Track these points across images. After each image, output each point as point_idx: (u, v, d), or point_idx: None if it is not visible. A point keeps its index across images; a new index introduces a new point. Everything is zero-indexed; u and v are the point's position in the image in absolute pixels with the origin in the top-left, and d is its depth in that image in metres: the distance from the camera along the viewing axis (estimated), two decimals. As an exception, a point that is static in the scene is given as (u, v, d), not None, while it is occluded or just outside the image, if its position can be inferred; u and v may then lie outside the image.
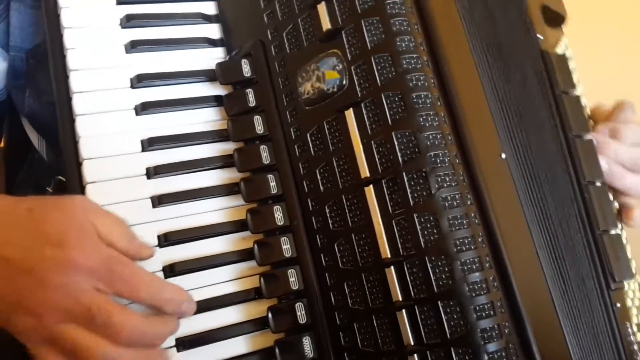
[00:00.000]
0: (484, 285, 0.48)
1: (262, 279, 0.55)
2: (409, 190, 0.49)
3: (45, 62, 0.66)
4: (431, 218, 0.49)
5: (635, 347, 0.57)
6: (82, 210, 0.48)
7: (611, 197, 0.62)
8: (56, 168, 0.69)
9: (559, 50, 0.65)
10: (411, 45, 0.52)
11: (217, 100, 0.61)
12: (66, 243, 0.45)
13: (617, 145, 0.61)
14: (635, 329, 0.58)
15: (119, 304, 0.47)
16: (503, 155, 0.53)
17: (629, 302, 0.59)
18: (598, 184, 0.60)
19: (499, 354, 0.47)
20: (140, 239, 0.52)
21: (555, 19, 0.66)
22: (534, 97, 0.60)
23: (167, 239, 0.56)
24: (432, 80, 0.52)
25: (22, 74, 0.69)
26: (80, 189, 0.56)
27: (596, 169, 0.60)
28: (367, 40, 0.52)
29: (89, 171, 0.56)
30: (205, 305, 0.55)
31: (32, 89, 0.69)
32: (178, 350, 0.53)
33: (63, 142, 0.58)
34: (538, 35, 0.63)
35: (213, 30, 0.64)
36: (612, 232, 0.59)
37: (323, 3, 0.55)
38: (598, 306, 0.56)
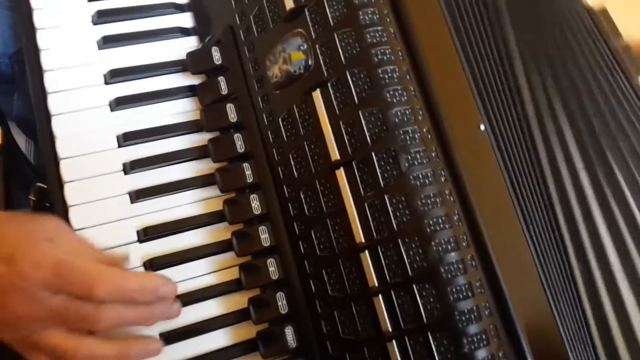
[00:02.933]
0: (461, 266, 0.46)
1: (241, 270, 0.54)
2: (379, 171, 0.47)
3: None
4: (402, 198, 0.46)
5: None
6: (43, 230, 0.47)
7: None
8: (43, 171, 0.70)
9: None
10: (375, 17, 0.49)
11: (191, 90, 0.60)
12: (15, 259, 0.44)
13: None
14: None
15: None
16: (482, 127, 0.50)
17: None
18: None
19: (479, 336, 0.45)
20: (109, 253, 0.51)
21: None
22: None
23: (146, 234, 0.55)
24: (399, 53, 0.49)
25: (8, 78, 0.69)
26: (59, 188, 0.56)
27: None
28: (330, 16, 0.50)
29: (66, 170, 0.56)
30: (187, 299, 0.54)
31: (20, 93, 0.69)
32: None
33: (41, 143, 0.58)
34: None
35: (185, 19, 0.63)
36: None
37: (285, -19, 0.53)
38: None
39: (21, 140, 0.73)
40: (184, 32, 0.62)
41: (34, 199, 0.61)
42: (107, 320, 0.46)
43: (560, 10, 0.60)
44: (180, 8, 0.63)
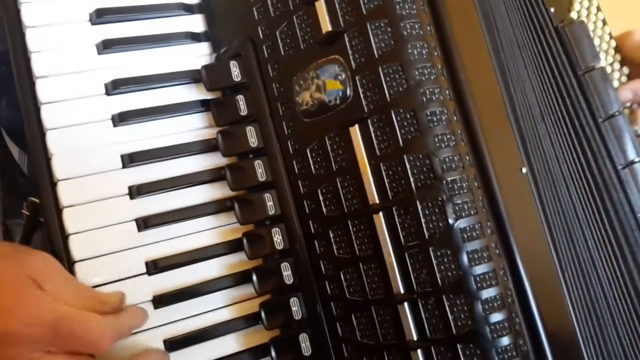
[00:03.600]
0: (506, 325, 0.44)
1: (262, 310, 0.50)
2: (423, 221, 0.44)
3: None
4: (448, 252, 0.44)
5: None
6: (27, 270, 0.43)
7: None
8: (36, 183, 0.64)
9: (574, 12, 0.57)
10: (424, 52, 0.45)
11: (203, 105, 0.55)
12: (4, 311, 0.40)
13: None
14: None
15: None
16: (524, 170, 0.48)
17: None
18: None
19: (508, 349, 0.43)
20: (102, 294, 0.48)
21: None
22: (552, 87, 0.54)
23: (156, 267, 0.51)
24: (447, 92, 0.46)
25: None
26: (57, 212, 0.51)
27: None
28: (374, 46, 0.46)
29: (64, 193, 0.51)
30: (201, 336, 0.51)
31: (8, 99, 0.62)
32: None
33: (33, 160, 0.52)
34: (551, 9, 0.55)
35: (196, 23, 0.57)
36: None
37: (322, 0, 0.48)
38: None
39: (14, 149, 0.66)
40: (194, 37, 0.56)
41: (27, 213, 0.55)
42: None
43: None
44: (189, 9, 0.57)
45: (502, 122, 0.47)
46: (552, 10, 0.56)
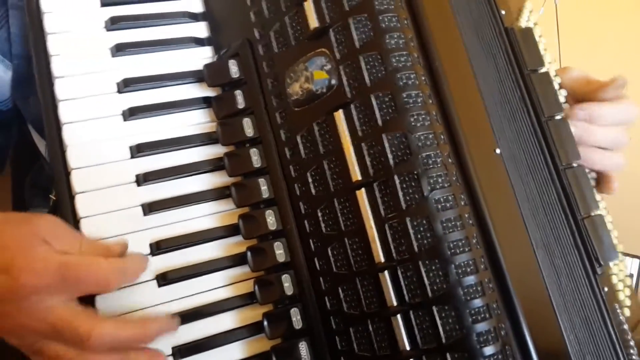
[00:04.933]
0: (479, 288, 0.47)
1: (256, 285, 0.54)
2: (400, 193, 0.48)
3: None
4: (424, 221, 0.48)
5: (625, 326, 0.55)
6: (35, 230, 0.46)
7: (590, 177, 0.60)
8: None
9: (523, 20, 0.61)
10: (401, 42, 0.50)
11: (206, 102, 0.60)
12: (14, 267, 0.44)
13: (595, 130, 0.59)
14: (624, 303, 0.57)
15: (86, 311, 0.46)
16: (498, 150, 0.52)
17: (614, 280, 0.58)
18: (575, 165, 0.57)
19: (495, 356, 0.46)
20: (107, 243, 0.51)
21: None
22: (505, 82, 0.57)
23: (159, 247, 0.55)
24: (423, 78, 0.50)
25: (25, 81, 0.68)
26: (70, 199, 0.55)
27: (572, 151, 0.57)
28: (356, 38, 0.51)
29: (77, 181, 0.55)
30: (200, 312, 0.54)
31: (36, 96, 0.68)
32: (175, 359, 0.53)
33: (51, 152, 0.57)
34: (502, 12, 0.59)
35: (200, 29, 0.63)
36: (594, 213, 0.56)
37: (310, 0, 0.53)
38: (588, 295, 0.54)
39: (41, 143, 0.72)
40: (198, 42, 0.62)
41: (55, 198, 0.60)
42: (98, 339, 0.45)
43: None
44: (194, 17, 0.62)
45: (476, 105, 0.52)
46: (503, 12, 0.60)
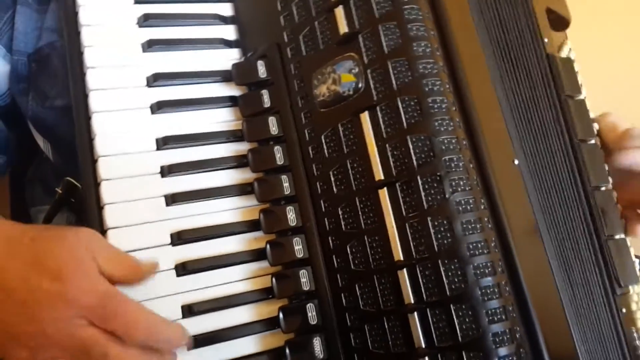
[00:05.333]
0: (496, 290, 0.48)
1: (273, 279, 0.55)
2: (423, 194, 0.50)
3: (47, 66, 0.67)
4: (445, 222, 0.49)
5: None
6: (85, 244, 0.47)
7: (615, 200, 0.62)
8: (62, 169, 0.69)
9: (564, 53, 0.65)
10: (427, 50, 0.52)
11: (232, 101, 0.61)
12: (63, 277, 0.44)
13: None
14: (640, 333, 0.59)
15: (112, 336, 0.46)
16: (516, 161, 0.54)
17: (634, 306, 0.59)
18: (603, 188, 0.60)
19: (510, 358, 0.47)
20: (143, 263, 0.51)
21: (560, 22, 0.65)
22: (540, 102, 0.60)
23: (179, 238, 0.56)
24: (447, 86, 0.52)
25: (24, 77, 0.69)
26: (95, 187, 0.56)
27: (602, 173, 0.60)
28: (384, 44, 0.53)
29: (104, 169, 0.57)
30: (217, 305, 0.55)
31: (35, 93, 0.69)
32: (189, 349, 0.53)
33: (79, 139, 0.58)
34: (545, 39, 0.62)
35: (229, 32, 0.65)
36: (617, 236, 0.59)
37: (341, 7, 0.55)
38: (604, 312, 0.56)
39: (39, 138, 0.73)
40: (226, 43, 0.64)
41: (61, 192, 0.61)
42: None
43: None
44: (224, 20, 0.64)
45: (495, 114, 0.54)
46: (546, 40, 0.63)
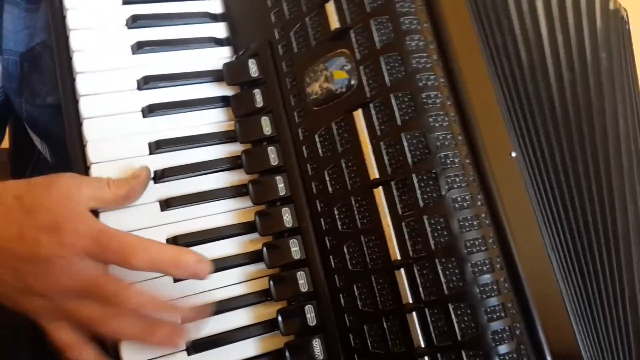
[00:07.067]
0: (494, 287, 0.48)
1: (271, 282, 0.54)
2: (418, 192, 0.49)
3: (39, 65, 0.66)
4: (441, 220, 0.48)
5: None
6: (70, 189, 0.49)
7: None
8: (61, 170, 0.69)
9: None
10: (421, 44, 0.51)
11: (224, 101, 0.61)
12: (58, 226, 0.46)
13: None
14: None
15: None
16: (513, 154, 0.53)
17: None
18: None
19: (510, 355, 0.47)
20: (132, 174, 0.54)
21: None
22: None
23: (175, 243, 0.55)
24: (441, 80, 0.51)
25: (16, 77, 0.68)
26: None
27: None
28: (376, 39, 0.52)
29: (96, 175, 0.56)
30: (215, 308, 0.54)
31: (28, 93, 0.68)
32: (189, 354, 0.53)
33: (70, 146, 0.57)
34: None
35: (219, 30, 0.64)
36: None
37: (331, 2, 0.54)
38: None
39: (36, 138, 0.72)
40: (217, 42, 0.63)
41: None
42: (133, 300, 0.48)
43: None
44: (214, 17, 0.63)
45: (492, 108, 0.52)
46: None
